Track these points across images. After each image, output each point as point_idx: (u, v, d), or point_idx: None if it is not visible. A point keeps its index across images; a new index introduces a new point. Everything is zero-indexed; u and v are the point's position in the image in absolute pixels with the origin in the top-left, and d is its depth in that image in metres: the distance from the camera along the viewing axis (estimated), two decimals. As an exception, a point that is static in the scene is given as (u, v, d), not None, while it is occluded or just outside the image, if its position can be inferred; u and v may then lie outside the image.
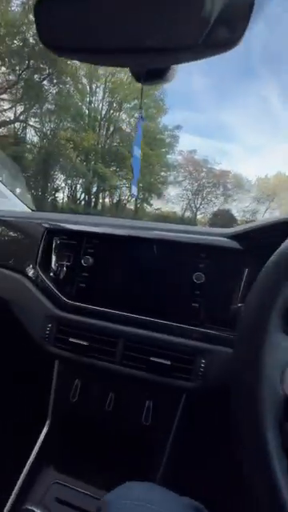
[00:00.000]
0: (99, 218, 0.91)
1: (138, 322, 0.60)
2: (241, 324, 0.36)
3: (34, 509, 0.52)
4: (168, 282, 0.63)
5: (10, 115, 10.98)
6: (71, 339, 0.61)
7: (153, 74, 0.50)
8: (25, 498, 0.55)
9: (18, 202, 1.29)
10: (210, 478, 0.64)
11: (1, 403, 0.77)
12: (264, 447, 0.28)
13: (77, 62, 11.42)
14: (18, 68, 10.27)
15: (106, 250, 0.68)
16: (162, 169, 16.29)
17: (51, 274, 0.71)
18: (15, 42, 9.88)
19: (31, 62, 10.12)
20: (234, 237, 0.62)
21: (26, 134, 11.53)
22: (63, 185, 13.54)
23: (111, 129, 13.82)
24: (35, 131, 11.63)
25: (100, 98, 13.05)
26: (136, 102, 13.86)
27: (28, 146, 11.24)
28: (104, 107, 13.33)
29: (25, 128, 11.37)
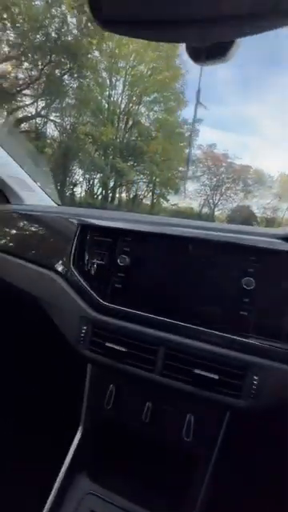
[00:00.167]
0: (132, 215, 0.86)
1: (180, 330, 0.55)
2: None
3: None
4: (213, 287, 0.57)
5: (32, 110, 11.17)
6: (108, 344, 0.58)
7: (214, 50, 0.44)
8: (59, 509, 0.53)
9: (44, 197, 1.28)
10: (257, 505, 0.59)
11: (33, 405, 0.76)
12: None
13: (97, 55, 11.37)
14: (40, 63, 10.37)
15: (143, 249, 0.64)
16: (180, 163, 15.99)
17: (85, 273, 0.67)
18: (38, 36, 9.96)
19: (53, 56, 10.18)
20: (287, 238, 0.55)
21: (46, 128, 11.70)
22: (81, 179, 13.68)
23: (130, 123, 13.70)
24: (55, 126, 11.77)
25: (119, 91, 12.93)
26: (156, 95, 13.61)
27: (48, 141, 11.41)
28: (123, 101, 13.21)
29: (45, 123, 11.54)
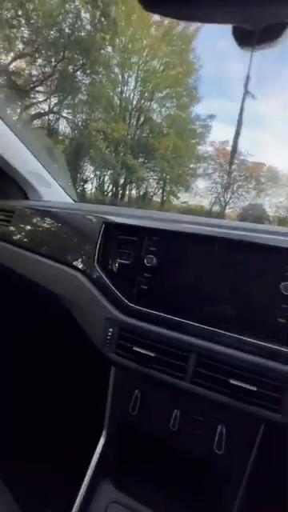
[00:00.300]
0: (154, 213, 0.83)
1: (212, 336, 0.52)
2: None
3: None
4: (247, 292, 0.54)
5: (45, 107, 11.25)
6: (136, 348, 0.55)
7: (267, 32, 0.39)
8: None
9: (62, 193, 1.27)
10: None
11: (53, 406, 0.75)
12: None
13: (110, 51, 11.29)
14: (53, 60, 10.40)
15: (171, 249, 0.60)
16: (191, 160, 15.78)
17: (109, 273, 0.65)
18: (51, 33, 9.98)
19: (66, 52, 10.19)
20: None
21: (58, 125, 11.77)
22: (91, 176, 13.73)
23: (141, 119, 13.60)
24: (67, 122, 11.82)
25: (131, 87, 12.84)
26: (168, 90, 13.43)
27: (60, 138, 11.48)
28: (135, 97, 13.11)
29: (58, 119, 11.61)
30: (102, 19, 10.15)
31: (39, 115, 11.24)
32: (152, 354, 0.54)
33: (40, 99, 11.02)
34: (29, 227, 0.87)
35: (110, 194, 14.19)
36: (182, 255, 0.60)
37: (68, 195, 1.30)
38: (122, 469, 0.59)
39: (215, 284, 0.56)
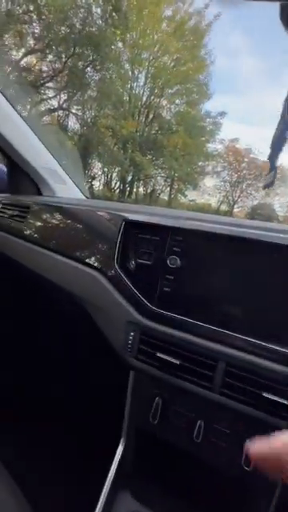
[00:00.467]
0: (172, 211, 0.80)
1: (243, 344, 0.48)
2: None
3: None
4: (282, 298, 0.50)
5: (54, 103, 11.26)
6: (159, 354, 0.52)
7: None
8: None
9: (75, 189, 1.24)
10: None
11: (71, 410, 0.73)
12: None
13: (120, 46, 11.19)
14: (63, 55, 10.38)
15: (197, 250, 0.57)
16: (200, 158, 15.60)
17: (130, 274, 0.62)
18: (62, 28, 9.94)
19: (76, 48, 10.14)
20: None
21: (67, 121, 11.78)
22: (99, 173, 13.73)
23: (150, 116, 13.48)
24: (76, 119, 11.82)
25: (141, 83, 12.72)
26: (178, 87, 13.25)
27: (69, 134, 11.49)
28: (145, 93, 12.99)
29: (67, 116, 11.61)
30: (114, 14, 10.06)
31: (49, 111, 11.26)
32: (176, 362, 0.51)
33: (50, 95, 11.03)
34: (44, 224, 0.85)
35: (117, 191, 14.17)
36: (208, 257, 0.56)
37: (81, 191, 1.28)
38: (142, 479, 0.57)
39: (245, 288, 0.52)
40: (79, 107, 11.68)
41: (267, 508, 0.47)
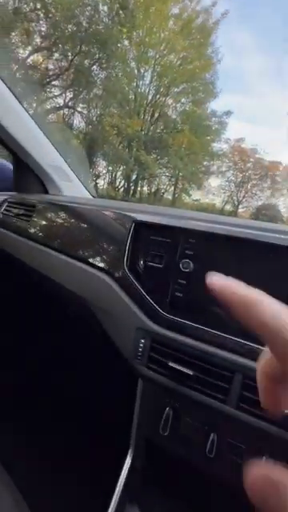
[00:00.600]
0: (183, 212, 0.77)
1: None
2: None
3: None
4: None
5: (60, 101, 11.27)
6: (171, 364, 0.49)
7: None
8: None
9: (81, 188, 1.22)
10: None
11: (77, 417, 0.70)
12: None
13: (126, 44, 11.13)
14: (70, 53, 10.37)
15: (211, 254, 0.54)
16: (205, 158, 15.51)
17: (140, 277, 0.59)
18: (69, 26, 9.93)
19: (83, 46, 10.13)
20: None
21: (73, 120, 11.78)
22: (104, 171, 13.73)
23: (156, 115, 13.42)
24: (82, 117, 11.82)
25: (147, 82, 12.65)
26: (184, 85, 13.17)
27: (74, 132, 11.49)
28: (151, 92, 12.93)
29: (72, 114, 11.61)
30: (120, 12, 10.01)
31: (54, 109, 11.27)
32: (190, 372, 0.48)
33: (56, 93, 11.04)
34: (51, 223, 0.83)
35: (121, 189, 14.17)
36: (223, 261, 0.53)
37: (87, 190, 1.25)
38: (151, 493, 0.54)
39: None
40: (85, 105, 11.68)
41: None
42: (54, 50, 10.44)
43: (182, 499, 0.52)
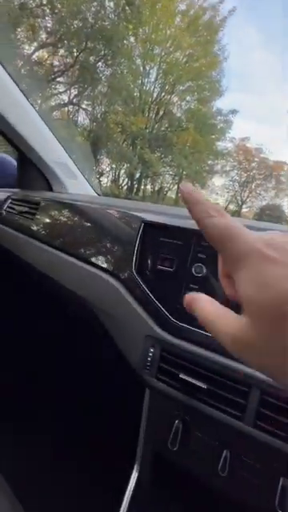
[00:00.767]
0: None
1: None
2: None
3: None
4: None
5: (65, 98, 11.21)
6: (183, 376, 0.46)
7: None
8: None
9: (86, 185, 1.19)
10: None
11: (79, 427, 0.67)
12: None
13: (132, 41, 11.03)
14: (75, 50, 10.30)
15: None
16: (209, 156, 15.41)
17: (149, 282, 0.56)
18: (75, 22, 9.85)
19: (88, 43, 10.04)
20: None
21: (77, 117, 11.73)
22: (107, 169, 13.69)
23: (161, 113, 13.32)
24: (86, 114, 11.75)
25: (152, 79, 12.55)
26: (190, 83, 13.03)
27: (79, 130, 11.44)
28: (156, 89, 12.82)
29: (77, 111, 11.55)
30: (126, 8, 9.91)
31: (59, 106, 11.22)
32: (203, 386, 0.45)
33: (60, 90, 10.98)
34: (55, 222, 0.80)
35: (124, 187, 14.12)
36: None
37: (92, 188, 1.22)
38: (159, 511, 0.51)
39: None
40: (89, 102, 11.60)
41: None
42: (59, 46, 10.38)
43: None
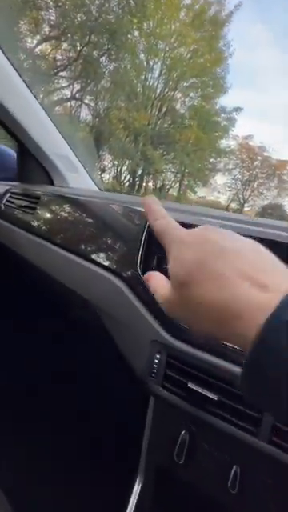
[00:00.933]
0: (202, 209, 0.69)
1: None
2: None
3: None
4: None
5: (67, 93, 11.09)
6: (191, 385, 0.42)
7: None
8: None
9: (88, 180, 1.15)
10: None
11: (78, 435, 0.64)
12: None
13: (136, 35, 10.86)
14: (78, 44, 10.15)
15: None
16: (212, 154, 15.29)
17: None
18: (79, 15, 9.69)
19: (92, 37, 9.90)
20: None
21: (80, 112, 11.61)
22: (109, 165, 13.59)
23: (164, 109, 13.19)
24: (89, 109, 11.63)
25: (156, 75, 12.40)
26: (194, 80, 12.87)
27: (81, 125, 11.33)
28: (159, 85, 12.67)
29: (79, 106, 11.43)
30: (131, 1, 9.74)
31: (61, 101, 11.10)
32: (214, 397, 0.41)
33: (63, 84, 10.85)
34: (56, 217, 0.76)
35: (126, 184, 14.03)
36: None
37: (94, 183, 1.18)
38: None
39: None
40: (92, 98, 11.47)
41: None
42: (62, 39, 10.23)
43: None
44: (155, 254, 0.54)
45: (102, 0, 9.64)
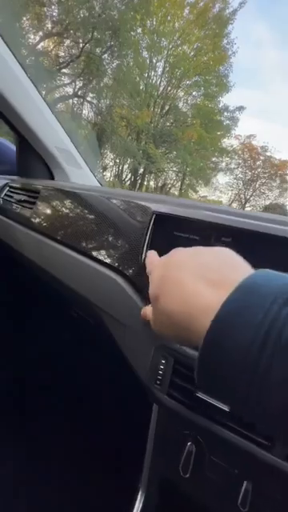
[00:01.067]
0: (212, 206, 0.65)
1: None
2: None
3: None
4: None
5: (69, 90, 11.02)
6: (200, 395, 0.39)
7: None
8: None
9: (89, 175, 1.12)
10: None
11: (75, 443, 0.60)
12: None
13: (139, 32, 10.76)
14: (81, 40, 10.07)
15: (249, 256, 0.43)
16: (214, 153, 15.23)
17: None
18: (82, 11, 9.61)
19: (95, 33, 9.81)
20: None
21: (82, 109, 11.54)
22: (111, 163, 13.54)
23: (166, 107, 13.10)
24: (91, 107, 11.56)
25: (159, 73, 12.31)
26: (197, 78, 12.77)
27: (83, 123, 11.27)
28: (162, 83, 12.59)
29: (82, 104, 11.37)
30: (135, -3, 9.65)
31: (63, 98, 11.03)
32: (225, 408, 0.38)
33: (66, 81, 10.78)
34: (56, 212, 0.72)
35: (127, 183, 13.98)
36: (264, 264, 0.42)
37: (96, 179, 1.15)
38: None
39: None
40: (94, 95, 11.40)
41: None
42: (65, 36, 10.16)
43: None
44: (161, 251, 0.50)
45: (105, -4, 9.56)
